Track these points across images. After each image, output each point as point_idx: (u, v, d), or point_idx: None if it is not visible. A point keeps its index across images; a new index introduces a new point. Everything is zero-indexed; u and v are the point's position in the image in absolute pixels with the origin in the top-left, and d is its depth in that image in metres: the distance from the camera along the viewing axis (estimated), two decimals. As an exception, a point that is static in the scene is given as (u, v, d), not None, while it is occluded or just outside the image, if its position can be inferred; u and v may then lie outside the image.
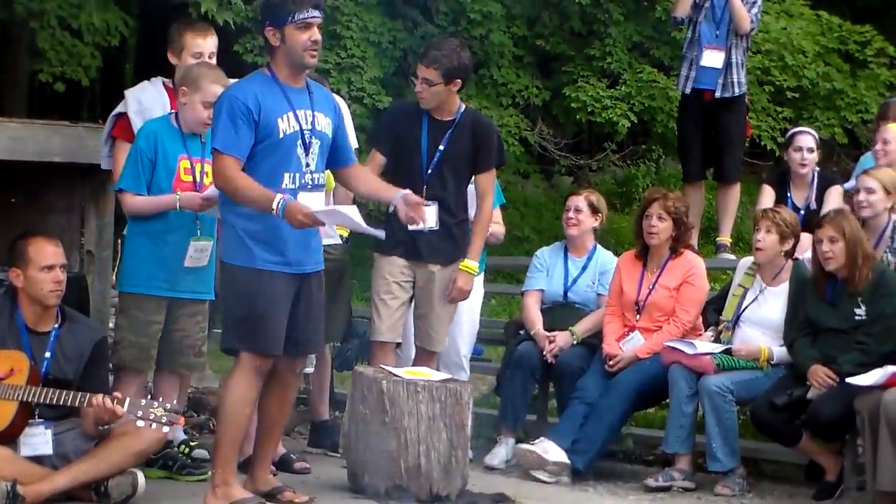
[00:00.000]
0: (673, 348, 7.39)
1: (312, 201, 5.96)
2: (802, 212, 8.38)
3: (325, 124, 6.09)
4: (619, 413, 7.48)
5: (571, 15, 14.62)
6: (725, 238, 9.46)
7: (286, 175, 5.94)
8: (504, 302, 12.37)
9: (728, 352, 7.36)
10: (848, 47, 15.83)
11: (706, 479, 7.38)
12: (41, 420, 6.08)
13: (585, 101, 14.31)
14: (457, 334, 7.70)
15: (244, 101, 5.86)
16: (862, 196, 7.55)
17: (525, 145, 14.97)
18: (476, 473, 7.05)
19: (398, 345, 7.29)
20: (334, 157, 6.19)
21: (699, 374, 7.30)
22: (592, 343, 7.78)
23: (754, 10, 9.28)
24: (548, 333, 7.79)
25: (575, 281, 8.02)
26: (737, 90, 9.26)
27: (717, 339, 7.49)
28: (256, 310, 5.93)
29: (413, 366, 7.12)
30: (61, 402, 5.98)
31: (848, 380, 6.71)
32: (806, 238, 8.11)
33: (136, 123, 6.78)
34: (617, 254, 8.26)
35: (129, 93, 7.02)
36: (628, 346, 7.61)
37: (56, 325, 6.22)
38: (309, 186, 6.00)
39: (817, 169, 8.59)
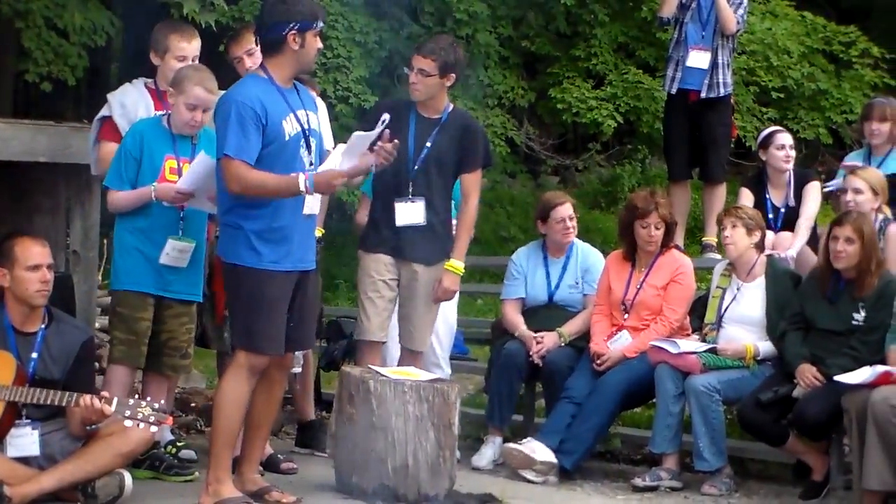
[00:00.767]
0: (659, 348, 7.40)
1: (337, 157, 6.08)
2: (782, 210, 8.40)
3: (316, 122, 6.17)
4: (606, 413, 7.49)
5: (557, 15, 14.63)
6: (711, 238, 9.46)
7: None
8: (490, 302, 12.36)
9: (713, 351, 7.37)
10: (832, 48, 15.87)
11: (693, 479, 7.39)
12: (28, 420, 6.07)
13: (571, 101, 14.32)
14: (434, 334, 7.68)
15: (252, 106, 5.89)
16: (850, 196, 7.57)
17: (511, 145, 14.98)
18: (463, 473, 7.05)
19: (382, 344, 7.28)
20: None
21: (686, 374, 7.32)
22: (579, 345, 7.78)
23: (740, 12, 9.30)
24: (535, 334, 7.79)
25: (558, 284, 8.01)
26: (722, 91, 9.27)
27: (703, 341, 7.51)
28: (260, 310, 5.96)
29: (398, 366, 7.11)
30: (48, 403, 5.96)
31: (836, 378, 6.71)
32: (787, 236, 8.14)
33: (122, 126, 6.80)
34: (603, 252, 8.26)
35: (111, 96, 7.03)
36: (616, 345, 7.61)
37: (43, 326, 6.20)
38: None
39: (792, 167, 8.61)
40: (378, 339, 7.09)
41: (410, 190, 6.95)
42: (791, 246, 8.08)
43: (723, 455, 7.28)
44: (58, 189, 7.43)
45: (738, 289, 7.51)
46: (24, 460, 6.03)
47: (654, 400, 7.55)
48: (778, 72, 15.08)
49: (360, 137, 6.14)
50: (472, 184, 7.13)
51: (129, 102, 6.89)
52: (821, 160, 15.51)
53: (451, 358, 8.23)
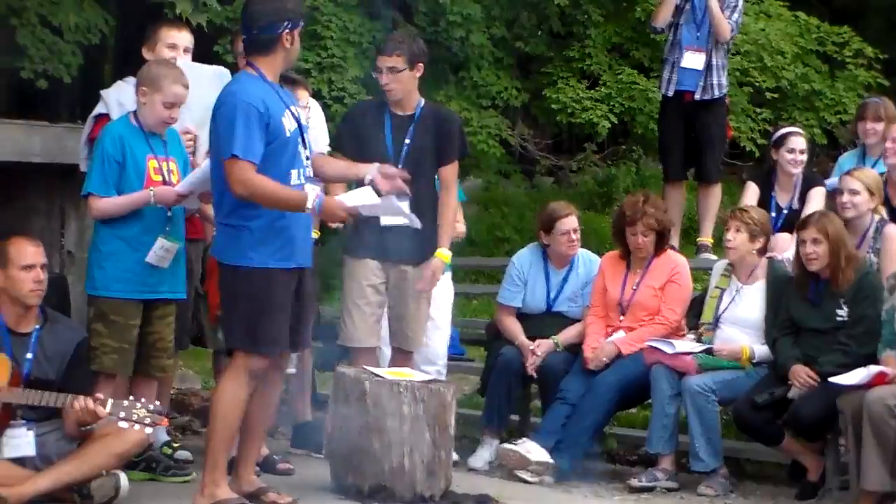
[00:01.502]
0: (654, 348, 7.40)
1: (357, 197, 6.02)
2: (785, 211, 8.41)
3: (302, 116, 6.18)
4: (601, 413, 7.49)
5: (550, 16, 14.61)
6: (706, 238, 9.48)
7: (293, 172, 5.98)
8: (486, 303, 12.34)
9: (709, 351, 7.37)
10: (826, 48, 15.85)
11: (689, 479, 7.39)
12: (23, 421, 6.06)
13: (565, 102, 14.28)
14: (429, 338, 7.66)
15: (256, 106, 5.87)
16: (846, 197, 7.57)
17: (506, 146, 14.96)
18: (460, 474, 7.03)
19: None
20: None
21: (681, 375, 7.32)
22: (575, 349, 7.75)
23: (735, 16, 9.29)
24: (531, 344, 7.76)
25: (557, 297, 7.97)
26: (717, 92, 9.27)
27: (698, 341, 7.50)
28: (265, 311, 5.93)
29: (392, 366, 7.08)
30: (43, 404, 5.95)
31: (831, 379, 6.73)
32: (786, 238, 8.14)
33: (119, 124, 6.74)
34: (598, 253, 8.24)
35: (106, 94, 6.97)
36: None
37: (37, 326, 6.19)
38: (308, 179, 6.06)
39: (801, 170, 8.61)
40: (368, 346, 7.06)
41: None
42: (788, 248, 8.08)
43: (719, 455, 7.28)
44: (52, 190, 7.43)
45: (737, 290, 7.50)
46: (20, 461, 6.02)
47: (649, 400, 7.55)
48: (772, 72, 15.06)
49: (396, 207, 6.10)
50: (450, 175, 7.10)
51: (127, 101, 6.80)
52: (815, 160, 15.50)
53: (448, 358, 8.20)
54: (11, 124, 7.31)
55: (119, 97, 6.91)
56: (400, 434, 6.37)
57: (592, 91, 14.54)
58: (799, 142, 8.50)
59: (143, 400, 6.01)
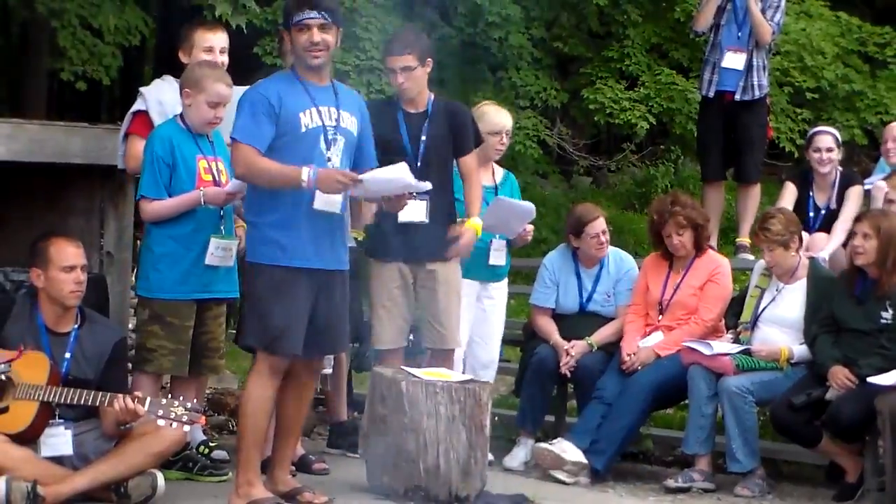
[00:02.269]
0: (692, 349, 7.38)
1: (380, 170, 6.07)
2: (823, 212, 8.38)
3: (350, 122, 6.14)
4: (637, 413, 7.46)
5: (589, 16, 14.61)
6: (745, 238, 9.43)
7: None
8: (523, 303, 12.32)
9: (747, 352, 7.34)
10: (867, 48, 15.79)
11: (726, 480, 7.36)
12: (61, 420, 6.09)
13: (604, 102, 14.29)
14: (485, 341, 7.69)
15: (266, 96, 5.96)
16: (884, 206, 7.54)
17: (544, 147, 14.96)
18: (495, 474, 7.04)
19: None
20: (357, 159, 6.21)
21: (719, 375, 7.29)
22: (611, 349, 7.74)
23: (777, 17, 9.21)
24: (566, 344, 7.76)
25: (590, 296, 7.95)
26: (757, 93, 9.22)
27: (736, 341, 7.47)
28: (272, 308, 5.94)
29: (428, 367, 7.08)
30: (81, 403, 5.99)
31: (869, 379, 6.69)
32: (823, 237, 8.10)
33: (158, 123, 6.77)
34: (635, 254, 8.23)
35: (146, 91, 7.00)
36: (646, 342, 7.59)
37: (76, 326, 6.23)
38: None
39: (840, 169, 8.55)
40: (397, 347, 7.07)
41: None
42: (825, 247, 8.04)
43: (756, 456, 7.25)
44: (92, 191, 7.45)
45: (777, 290, 7.46)
46: (58, 460, 6.06)
47: (685, 401, 7.52)
48: (812, 72, 15.02)
49: (402, 180, 6.05)
50: (470, 165, 7.09)
51: (168, 100, 6.85)
52: (856, 161, 15.43)
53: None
54: (51, 126, 7.35)
55: (158, 95, 6.94)
56: (436, 434, 6.38)
57: (631, 91, 14.54)
58: (824, 140, 8.45)
59: (180, 398, 6.04)
